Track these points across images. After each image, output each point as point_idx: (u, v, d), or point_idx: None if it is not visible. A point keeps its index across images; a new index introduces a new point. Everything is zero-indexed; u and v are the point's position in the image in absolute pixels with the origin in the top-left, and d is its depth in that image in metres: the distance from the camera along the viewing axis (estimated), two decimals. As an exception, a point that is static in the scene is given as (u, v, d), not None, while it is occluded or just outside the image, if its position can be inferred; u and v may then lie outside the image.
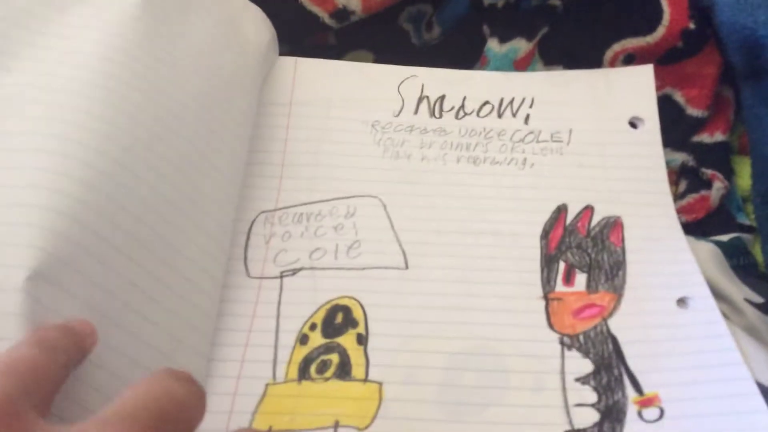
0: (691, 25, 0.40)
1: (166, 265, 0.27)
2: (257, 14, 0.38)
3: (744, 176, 0.38)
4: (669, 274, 0.33)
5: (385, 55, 0.43)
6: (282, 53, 0.41)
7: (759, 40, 0.36)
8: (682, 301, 0.32)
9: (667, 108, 0.40)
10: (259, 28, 0.38)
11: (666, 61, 0.41)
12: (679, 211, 0.37)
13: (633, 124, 0.38)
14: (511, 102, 0.38)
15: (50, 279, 0.22)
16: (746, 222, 0.37)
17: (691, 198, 0.38)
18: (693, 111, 0.40)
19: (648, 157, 0.36)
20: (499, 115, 0.38)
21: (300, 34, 0.42)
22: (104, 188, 0.25)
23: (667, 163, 0.39)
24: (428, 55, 0.43)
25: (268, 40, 0.38)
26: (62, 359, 0.20)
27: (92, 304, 0.24)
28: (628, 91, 0.38)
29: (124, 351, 0.25)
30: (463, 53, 0.43)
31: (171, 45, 0.31)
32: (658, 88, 0.41)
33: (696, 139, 0.40)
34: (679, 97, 0.40)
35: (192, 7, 0.34)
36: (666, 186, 0.36)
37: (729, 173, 0.39)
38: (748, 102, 0.38)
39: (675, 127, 0.40)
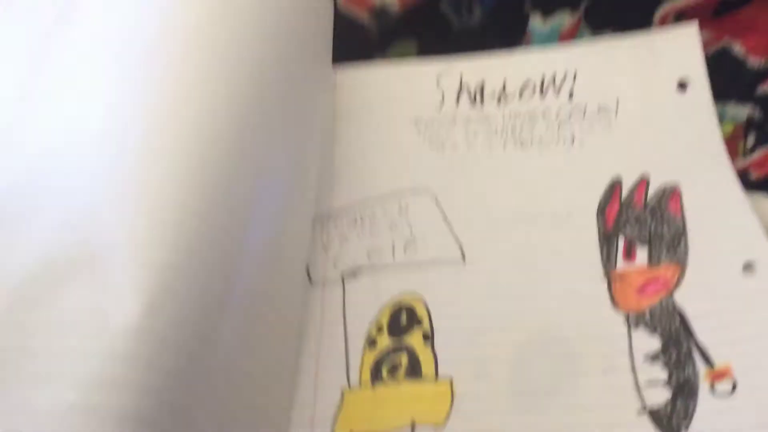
0: (741, -28, 0.38)
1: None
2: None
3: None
4: (733, 240, 0.32)
5: (429, 43, 0.43)
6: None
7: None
8: (749, 267, 0.32)
9: (726, 61, 0.39)
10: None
11: (720, 12, 0.39)
12: (749, 167, 0.36)
13: (682, 86, 0.37)
14: (554, 78, 0.37)
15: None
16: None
17: (761, 152, 0.36)
18: (754, 61, 0.38)
19: (700, 119, 0.35)
20: (542, 94, 0.37)
21: (340, 37, 0.42)
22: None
23: (733, 117, 0.38)
24: (473, 39, 0.43)
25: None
26: None
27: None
28: (673, 52, 0.37)
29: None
30: (507, 33, 0.42)
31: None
32: (715, 41, 0.39)
33: (761, 90, 0.38)
34: (738, 48, 0.39)
35: None
36: (722, 147, 0.35)
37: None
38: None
39: (737, 79, 0.38)
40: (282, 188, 0.30)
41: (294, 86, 0.32)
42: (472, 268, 0.34)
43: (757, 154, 0.36)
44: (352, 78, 0.39)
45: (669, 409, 0.28)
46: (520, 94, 0.37)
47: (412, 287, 0.34)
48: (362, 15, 0.39)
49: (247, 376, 0.26)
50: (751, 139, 0.37)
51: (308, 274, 0.35)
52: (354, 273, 0.34)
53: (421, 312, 0.33)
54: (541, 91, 0.37)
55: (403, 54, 0.42)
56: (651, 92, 0.36)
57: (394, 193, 0.36)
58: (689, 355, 0.30)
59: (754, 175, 0.35)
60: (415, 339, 0.32)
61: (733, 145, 0.37)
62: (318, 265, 0.35)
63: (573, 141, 0.36)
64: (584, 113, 0.36)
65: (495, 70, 0.38)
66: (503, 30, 0.42)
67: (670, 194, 0.34)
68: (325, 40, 0.37)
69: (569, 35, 0.39)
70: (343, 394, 0.30)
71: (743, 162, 0.36)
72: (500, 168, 0.36)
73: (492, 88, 0.38)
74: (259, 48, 0.29)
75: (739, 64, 0.38)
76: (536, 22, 0.39)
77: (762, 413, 0.27)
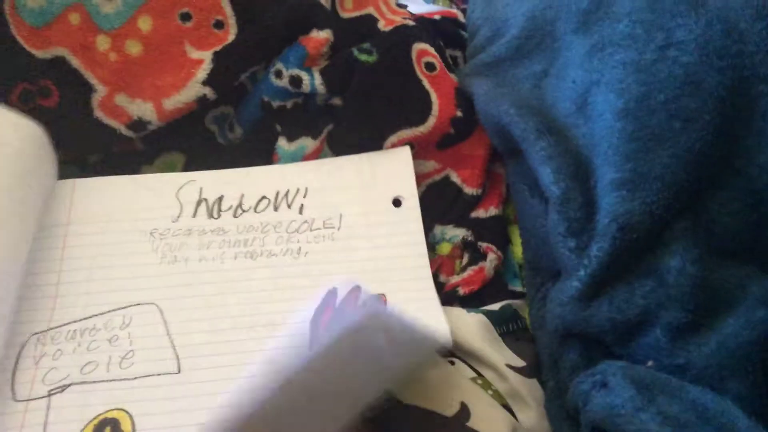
0: (459, 113, 0.43)
1: None
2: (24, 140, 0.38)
3: (518, 245, 0.41)
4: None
5: (195, 157, 0.44)
6: (89, 165, 0.42)
7: (504, 127, 0.39)
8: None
9: (447, 188, 0.43)
10: (28, 157, 0.38)
11: (442, 145, 0.43)
12: (458, 284, 0.39)
13: (397, 203, 0.40)
14: (287, 194, 0.40)
15: None
16: (519, 288, 0.39)
17: (470, 270, 0.39)
18: (469, 189, 0.43)
19: (410, 234, 0.38)
20: (276, 209, 0.39)
21: (101, 146, 0.42)
22: None
23: (450, 239, 0.41)
24: (235, 154, 0.45)
25: (40, 165, 0.39)
26: None
27: None
28: (390, 171, 0.40)
29: None
30: (263, 152, 0.45)
31: None
32: (439, 170, 0.43)
33: (473, 215, 0.42)
34: (455, 177, 0.43)
35: None
36: (426, 260, 0.37)
37: (506, 243, 0.41)
38: (511, 178, 0.41)
39: (455, 205, 0.42)
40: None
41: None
42: (185, 379, 0.33)
43: (467, 273, 0.39)
44: (92, 189, 0.39)
45: None
46: (256, 208, 0.39)
47: (121, 401, 0.32)
48: (120, 126, 0.40)
49: None
50: (465, 259, 0.40)
51: (12, 392, 0.33)
52: (62, 389, 0.33)
53: (126, 426, 0.31)
54: (275, 205, 0.39)
55: (169, 166, 0.44)
56: (370, 208, 0.39)
57: (119, 307, 0.35)
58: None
59: (462, 290, 0.38)
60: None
61: (451, 263, 0.40)
62: (25, 383, 0.33)
63: (299, 252, 0.37)
64: (311, 227, 0.38)
65: (235, 184, 0.40)
66: (259, 149, 0.44)
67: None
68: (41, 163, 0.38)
69: (313, 157, 0.42)
70: None
71: (456, 279, 0.39)
72: (229, 279, 0.36)
73: (230, 202, 0.39)
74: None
75: (457, 191, 0.42)
76: (282, 144, 0.42)
77: None
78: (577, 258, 0.33)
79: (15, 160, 0.36)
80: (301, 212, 0.39)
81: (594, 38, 0.38)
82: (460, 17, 0.53)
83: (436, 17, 0.52)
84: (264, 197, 0.40)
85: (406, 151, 0.41)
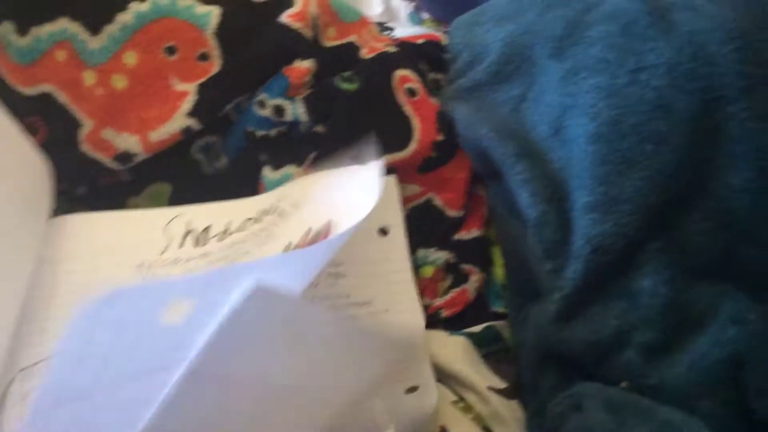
0: (440, 137, 0.44)
1: None
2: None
3: (501, 266, 0.41)
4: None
5: (182, 186, 0.45)
6: (77, 197, 0.42)
7: (484, 150, 0.40)
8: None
9: (429, 211, 0.44)
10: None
11: (424, 169, 0.44)
12: (441, 306, 0.39)
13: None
14: (273, 209, 0.40)
15: None
16: (501, 309, 0.40)
17: (453, 293, 0.40)
18: (451, 212, 0.43)
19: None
20: (260, 221, 0.40)
21: (88, 179, 0.43)
22: None
23: (433, 261, 0.41)
24: (221, 183, 0.45)
25: (42, 200, 0.40)
26: None
27: None
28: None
29: None
30: (249, 180, 0.45)
31: None
32: (421, 194, 0.44)
33: (456, 237, 0.43)
34: (438, 200, 0.44)
35: None
36: (413, 287, 0.38)
37: (488, 264, 0.42)
38: (492, 200, 0.42)
39: (437, 227, 0.43)
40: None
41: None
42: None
43: (450, 295, 0.39)
44: (80, 225, 0.40)
45: None
46: (242, 228, 0.40)
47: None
48: (106, 159, 0.41)
49: None
50: (448, 281, 0.41)
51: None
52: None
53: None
54: (259, 219, 0.40)
55: (157, 196, 0.44)
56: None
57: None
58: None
59: (444, 313, 0.38)
60: None
61: (433, 286, 0.41)
62: (13, 419, 0.34)
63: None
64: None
65: (221, 215, 0.41)
66: (245, 178, 0.45)
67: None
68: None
69: (297, 185, 0.43)
70: None
71: (439, 301, 0.39)
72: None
73: (216, 229, 0.40)
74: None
75: (439, 213, 0.43)
76: (267, 173, 0.43)
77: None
78: (554, 280, 0.33)
79: (22, 193, 0.37)
80: (281, 215, 0.39)
81: (568, 63, 0.39)
82: (444, 40, 0.53)
83: (420, 41, 0.52)
84: (249, 218, 0.40)
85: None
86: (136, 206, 0.43)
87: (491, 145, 0.40)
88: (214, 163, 0.46)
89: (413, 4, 0.60)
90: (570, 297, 0.32)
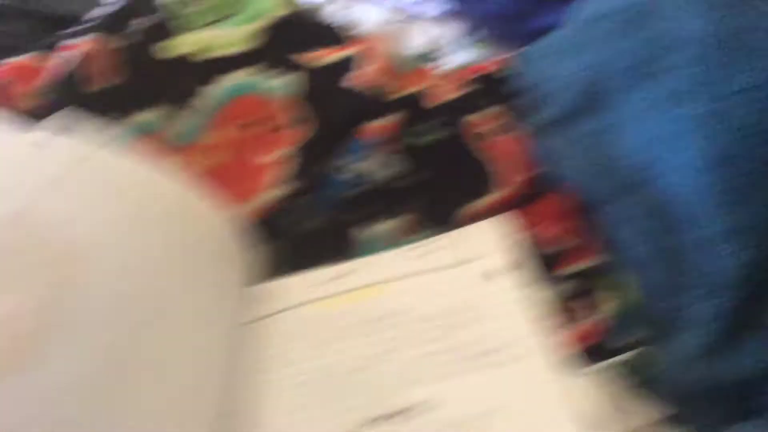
0: (527, 174, 0.44)
1: None
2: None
3: (622, 293, 0.40)
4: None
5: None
6: None
7: (578, 186, 0.39)
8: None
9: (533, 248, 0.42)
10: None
11: (519, 206, 0.44)
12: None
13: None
14: None
15: None
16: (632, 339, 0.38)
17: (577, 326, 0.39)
18: (555, 246, 0.42)
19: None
20: None
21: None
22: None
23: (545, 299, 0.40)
24: (317, 243, 0.44)
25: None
26: None
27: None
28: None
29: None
30: (342, 238, 0.45)
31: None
32: (523, 230, 0.43)
33: (562, 271, 0.41)
34: (540, 234, 0.43)
35: None
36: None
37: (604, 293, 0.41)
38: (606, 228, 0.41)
39: (544, 263, 0.41)
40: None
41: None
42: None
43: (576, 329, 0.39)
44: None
45: None
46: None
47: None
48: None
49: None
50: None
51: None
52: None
53: None
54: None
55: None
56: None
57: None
58: None
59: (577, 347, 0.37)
60: None
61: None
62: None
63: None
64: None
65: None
66: (337, 236, 0.44)
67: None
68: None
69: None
70: None
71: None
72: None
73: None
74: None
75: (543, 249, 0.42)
76: (359, 231, 0.44)
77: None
78: (685, 317, 0.33)
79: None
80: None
81: (650, 93, 0.38)
82: (508, 66, 0.51)
83: (486, 72, 0.50)
84: None
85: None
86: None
87: (585, 180, 0.39)
88: (307, 223, 0.46)
89: (460, 26, 0.57)
90: (710, 333, 0.32)
